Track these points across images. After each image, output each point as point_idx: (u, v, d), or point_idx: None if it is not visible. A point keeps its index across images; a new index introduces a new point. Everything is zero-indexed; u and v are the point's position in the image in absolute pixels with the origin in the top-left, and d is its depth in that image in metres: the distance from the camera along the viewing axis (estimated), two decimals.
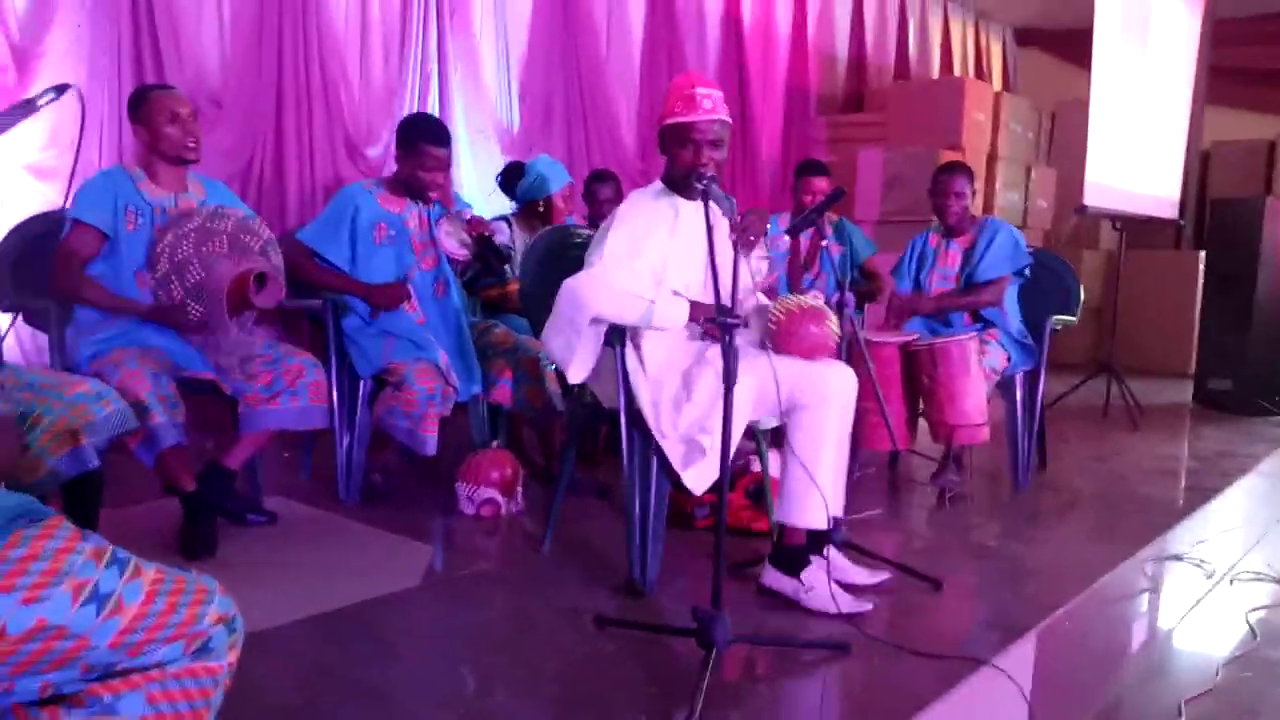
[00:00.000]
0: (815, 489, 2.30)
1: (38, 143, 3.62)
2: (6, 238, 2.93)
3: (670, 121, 2.45)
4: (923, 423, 3.61)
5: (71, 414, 2.06)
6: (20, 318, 2.93)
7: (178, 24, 4.06)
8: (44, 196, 3.59)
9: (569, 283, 2.44)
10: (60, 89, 1.59)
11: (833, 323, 2.43)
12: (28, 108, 1.54)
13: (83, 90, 1.59)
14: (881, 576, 2.56)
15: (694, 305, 2.45)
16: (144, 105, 2.75)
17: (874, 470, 3.93)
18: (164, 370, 2.60)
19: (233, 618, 1.16)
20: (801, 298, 2.44)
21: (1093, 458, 4.44)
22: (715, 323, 1.95)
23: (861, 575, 2.52)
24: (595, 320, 2.43)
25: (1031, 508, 3.56)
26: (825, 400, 2.34)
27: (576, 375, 2.48)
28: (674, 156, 2.47)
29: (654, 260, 2.44)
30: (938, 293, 3.81)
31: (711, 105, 2.42)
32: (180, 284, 2.66)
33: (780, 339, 2.40)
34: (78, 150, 1.77)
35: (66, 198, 2.65)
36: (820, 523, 2.34)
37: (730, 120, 2.49)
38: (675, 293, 2.45)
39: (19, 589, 1.00)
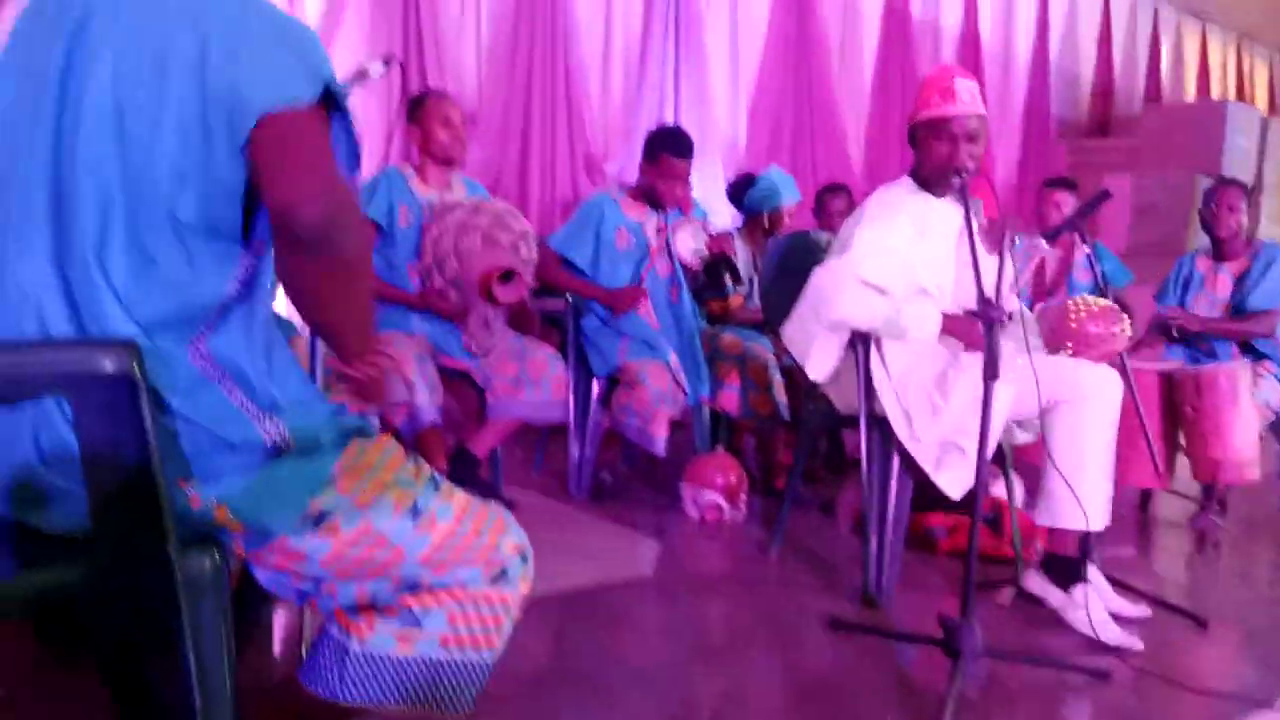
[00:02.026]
0: (1080, 488, 2.16)
1: None
2: None
3: (926, 115, 2.38)
4: (1181, 462, 3.32)
5: None
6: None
7: (441, 45, 4.40)
8: None
9: (818, 273, 2.42)
10: (388, 59, 1.74)
11: (1126, 326, 2.32)
12: (361, 76, 1.69)
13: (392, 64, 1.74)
14: (1143, 612, 2.37)
15: (946, 318, 2.36)
16: (421, 109, 2.97)
17: (1124, 510, 3.65)
18: (427, 354, 2.78)
19: (526, 551, 1.21)
20: (1094, 299, 2.35)
21: None
22: (977, 315, 1.88)
23: (1124, 605, 2.35)
24: (836, 325, 2.40)
25: None
26: (1084, 397, 2.20)
27: (816, 372, 2.45)
28: (928, 151, 2.40)
29: (904, 257, 2.38)
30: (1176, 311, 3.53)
31: (970, 98, 2.35)
32: (441, 275, 2.84)
33: (1078, 340, 2.32)
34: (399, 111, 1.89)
35: None
36: (1082, 523, 2.20)
37: (986, 114, 2.40)
38: (924, 291, 2.38)
39: (354, 492, 1.09)
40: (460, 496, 1.18)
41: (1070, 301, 2.43)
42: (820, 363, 2.44)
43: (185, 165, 1.01)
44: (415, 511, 1.12)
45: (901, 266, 2.36)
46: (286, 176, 1.00)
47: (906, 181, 2.51)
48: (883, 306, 2.33)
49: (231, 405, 1.07)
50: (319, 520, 1.07)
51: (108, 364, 0.91)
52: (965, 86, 2.36)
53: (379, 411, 2.41)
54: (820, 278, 2.42)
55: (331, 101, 1.05)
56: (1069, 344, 2.37)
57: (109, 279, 1.01)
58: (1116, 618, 2.27)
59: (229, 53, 1.00)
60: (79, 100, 1.01)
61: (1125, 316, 2.38)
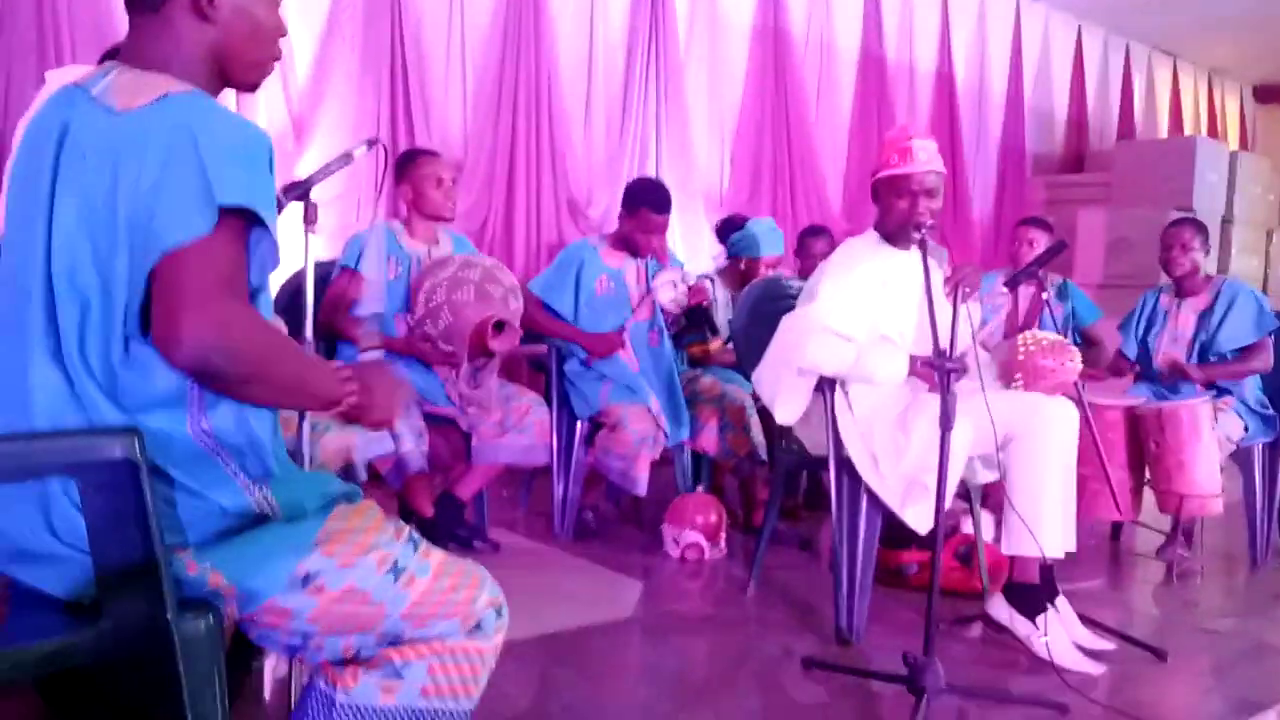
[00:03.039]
0: (1040, 517, 2.26)
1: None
2: (285, 283, 3.33)
3: (885, 173, 2.50)
4: (1149, 495, 3.42)
5: (343, 433, 2.33)
6: None
7: (429, 100, 4.53)
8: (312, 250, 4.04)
9: (785, 321, 2.52)
10: (371, 142, 1.86)
11: (1076, 359, 2.43)
12: (345, 158, 1.81)
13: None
14: (1105, 645, 2.45)
15: (912, 358, 2.47)
16: (411, 167, 3.08)
17: (1094, 542, 3.74)
18: (413, 402, 2.87)
19: (501, 605, 1.30)
20: (1044, 333, 2.46)
21: None
22: (934, 368, 1.99)
23: (1088, 637, 2.43)
24: (805, 370, 2.50)
25: (1272, 587, 3.29)
26: (1039, 429, 2.31)
27: (785, 416, 2.55)
28: (889, 207, 2.52)
29: (867, 307, 2.48)
30: (1172, 358, 3.60)
31: (926, 157, 2.47)
32: (433, 326, 2.94)
33: (1028, 373, 2.43)
34: (379, 189, 2.01)
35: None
36: (1043, 551, 2.29)
37: (944, 171, 2.53)
38: (887, 338, 2.48)
39: (337, 555, 1.18)
40: (437, 554, 1.27)
41: (1019, 336, 2.55)
42: (788, 407, 2.54)
43: (135, 276, 1.11)
44: (396, 570, 1.20)
45: (865, 315, 2.47)
46: (164, 316, 1.07)
47: (871, 235, 2.63)
48: (849, 352, 2.43)
49: (226, 474, 1.18)
50: (306, 581, 1.16)
51: (117, 450, 1.01)
52: (922, 146, 2.49)
53: (369, 460, 2.50)
54: (788, 325, 2.52)
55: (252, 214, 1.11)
56: (1019, 376, 2.47)
57: (94, 375, 1.12)
58: (1080, 650, 2.36)
59: (150, 183, 1.09)
60: (59, 210, 1.12)
61: (1074, 350, 2.48)
